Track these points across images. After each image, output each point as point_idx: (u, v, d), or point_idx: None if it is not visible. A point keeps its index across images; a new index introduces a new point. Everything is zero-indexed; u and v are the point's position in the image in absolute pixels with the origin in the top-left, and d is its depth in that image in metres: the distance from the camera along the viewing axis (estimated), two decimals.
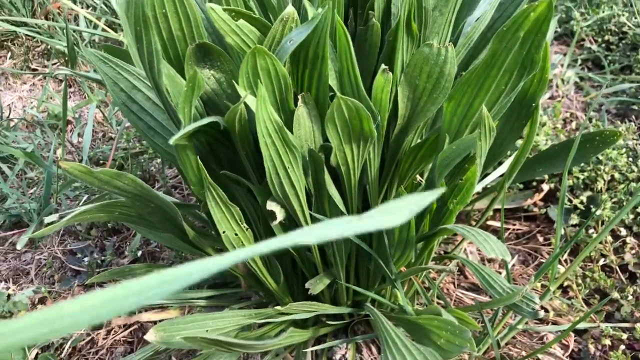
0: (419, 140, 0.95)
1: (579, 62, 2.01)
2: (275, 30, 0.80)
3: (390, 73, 0.76)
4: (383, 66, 0.76)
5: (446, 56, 0.79)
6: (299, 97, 0.80)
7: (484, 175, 1.24)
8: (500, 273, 1.21)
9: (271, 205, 0.81)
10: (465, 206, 0.91)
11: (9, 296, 1.22)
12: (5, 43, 2.13)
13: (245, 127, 0.79)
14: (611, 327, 1.07)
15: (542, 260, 1.27)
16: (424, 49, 0.79)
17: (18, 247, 1.35)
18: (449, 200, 0.84)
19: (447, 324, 0.73)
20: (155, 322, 1.25)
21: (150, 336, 0.71)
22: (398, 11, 0.86)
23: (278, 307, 0.76)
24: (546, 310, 1.15)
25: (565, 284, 1.19)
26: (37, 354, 1.20)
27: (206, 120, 0.71)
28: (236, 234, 0.80)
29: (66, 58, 2.04)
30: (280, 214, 0.81)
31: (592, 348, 1.05)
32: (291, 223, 0.91)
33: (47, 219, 0.79)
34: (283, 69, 0.75)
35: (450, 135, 0.82)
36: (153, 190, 0.79)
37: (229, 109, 0.82)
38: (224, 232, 0.79)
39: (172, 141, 0.65)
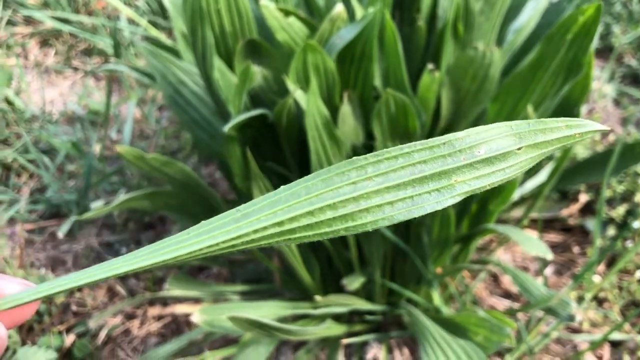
0: None
1: (618, 77, 2.00)
2: (324, 28, 0.82)
3: (437, 72, 0.77)
4: (430, 66, 0.77)
5: (492, 59, 0.80)
6: (345, 94, 0.81)
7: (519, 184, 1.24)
8: None
9: None
10: (504, 209, 0.91)
11: None
12: (49, 41, 2.19)
13: (292, 121, 0.81)
14: None
15: (576, 271, 1.26)
16: (470, 52, 0.80)
17: (60, 234, 1.39)
18: (490, 202, 0.84)
19: (485, 321, 0.73)
20: (188, 315, 1.27)
21: (195, 318, 0.73)
22: (444, 14, 0.87)
23: (318, 297, 0.77)
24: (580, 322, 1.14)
25: (601, 295, 1.18)
26: (74, 341, 1.22)
27: (258, 112, 0.73)
28: None
29: (107, 56, 2.09)
30: None
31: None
32: None
33: (93, 205, 0.82)
34: (332, 65, 0.76)
35: None
36: (200, 180, 0.81)
37: (274, 104, 0.84)
38: None
39: (225, 128, 0.67)
